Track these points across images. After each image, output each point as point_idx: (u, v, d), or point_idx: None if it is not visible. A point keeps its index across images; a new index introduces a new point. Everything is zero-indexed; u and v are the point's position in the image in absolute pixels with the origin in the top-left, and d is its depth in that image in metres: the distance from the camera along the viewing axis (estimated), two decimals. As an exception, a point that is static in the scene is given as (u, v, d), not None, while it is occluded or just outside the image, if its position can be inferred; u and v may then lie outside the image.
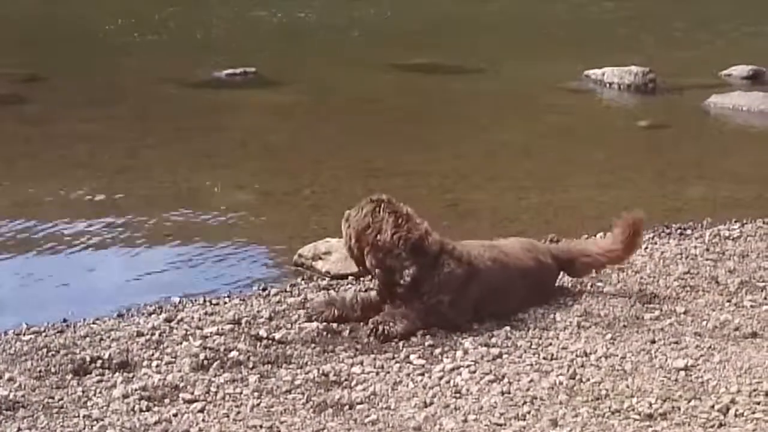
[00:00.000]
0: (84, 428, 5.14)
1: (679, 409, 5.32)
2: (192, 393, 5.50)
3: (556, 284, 7.03)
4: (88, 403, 5.40)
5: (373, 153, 11.21)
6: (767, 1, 21.84)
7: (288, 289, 7.26)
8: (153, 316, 6.74)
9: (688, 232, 8.50)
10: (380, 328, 6.19)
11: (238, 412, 5.32)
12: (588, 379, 5.64)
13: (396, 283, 6.29)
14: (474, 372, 5.74)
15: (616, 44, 17.83)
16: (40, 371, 5.76)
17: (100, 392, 5.52)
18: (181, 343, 6.13)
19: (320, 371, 5.75)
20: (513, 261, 6.67)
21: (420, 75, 15.61)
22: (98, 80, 14.77)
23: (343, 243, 6.55)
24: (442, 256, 6.33)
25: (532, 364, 5.84)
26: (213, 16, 20.03)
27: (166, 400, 5.43)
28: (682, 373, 5.72)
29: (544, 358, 5.92)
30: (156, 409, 5.34)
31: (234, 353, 5.95)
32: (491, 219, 9.09)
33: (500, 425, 5.19)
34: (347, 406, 5.37)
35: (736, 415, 5.26)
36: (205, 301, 7.06)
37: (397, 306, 6.31)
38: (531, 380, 5.64)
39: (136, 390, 5.49)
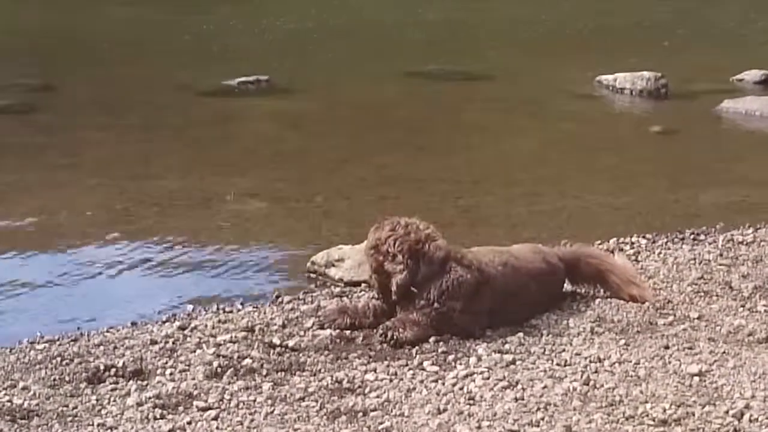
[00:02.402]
0: (98, 436, 5.16)
1: (694, 414, 5.31)
2: (206, 401, 5.50)
3: (568, 290, 7.04)
4: (102, 412, 5.41)
5: (384, 160, 11.21)
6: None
7: (301, 296, 7.27)
8: (167, 324, 6.75)
9: (702, 237, 8.48)
10: (389, 333, 6.20)
11: (252, 420, 5.32)
12: (602, 385, 5.64)
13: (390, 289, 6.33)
14: (488, 378, 5.74)
15: (628, 50, 17.81)
16: (54, 380, 5.77)
17: (114, 400, 5.53)
18: (194, 351, 6.14)
19: (334, 378, 5.75)
20: (523, 264, 6.69)
21: (431, 82, 15.60)
22: (110, 89, 14.80)
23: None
24: (449, 263, 6.33)
25: (545, 371, 5.83)
26: (225, 25, 20.07)
27: (180, 408, 5.43)
28: (696, 378, 5.71)
29: (557, 365, 5.92)
30: (170, 417, 5.35)
31: (247, 361, 5.96)
32: (504, 225, 9.09)
33: (514, 432, 5.20)
34: (361, 413, 5.37)
35: (750, 421, 5.25)
36: (218, 308, 7.07)
37: (409, 312, 6.31)
38: (545, 386, 5.63)
39: (150, 398, 5.50)
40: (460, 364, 5.93)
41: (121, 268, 8.12)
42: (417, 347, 6.14)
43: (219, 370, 5.84)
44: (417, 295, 6.30)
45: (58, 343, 6.43)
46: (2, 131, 12.40)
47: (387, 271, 6.32)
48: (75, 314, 7.15)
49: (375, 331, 6.32)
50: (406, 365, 5.94)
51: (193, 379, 5.76)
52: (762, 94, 14.29)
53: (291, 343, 6.25)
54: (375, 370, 5.86)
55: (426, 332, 6.24)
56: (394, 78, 15.71)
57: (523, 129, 12.84)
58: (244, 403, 5.49)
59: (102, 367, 5.86)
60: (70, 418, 5.34)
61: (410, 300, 6.31)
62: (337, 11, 21.45)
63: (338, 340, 6.29)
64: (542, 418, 5.30)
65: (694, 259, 7.76)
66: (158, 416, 5.34)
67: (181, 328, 6.55)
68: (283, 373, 5.85)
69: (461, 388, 5.64)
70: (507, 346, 6.15)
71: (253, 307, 7.04)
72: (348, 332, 6.38)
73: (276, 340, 6.27)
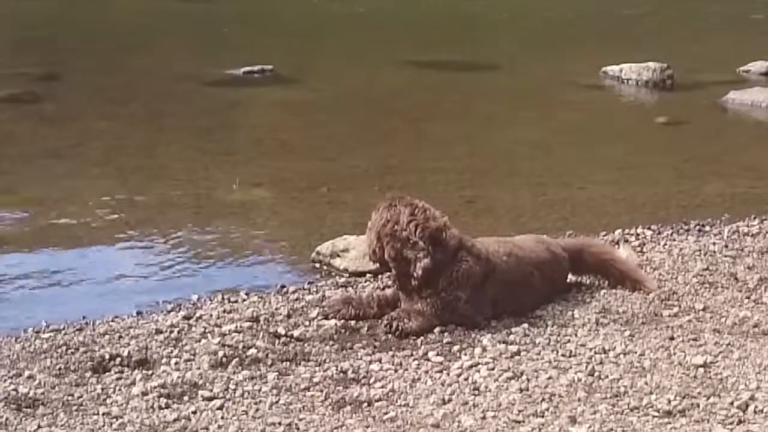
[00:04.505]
0: (103, 426, 5.15)
1: (698, 406, 5.31)
2: (211, 390, 5.51)
3: (572, 281, 7.03)
4: (108, 401, 5.41)
5: (389, 150, 11.21)
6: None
7: (306, 286, 7.27)
8: (172, 313, 6.75)
9: (707, 228, 8.48)
10: (395, 324, 6.19)
11: (257, 410, 5.32)
12: (606, 376, 5.63)
13: (411, 275, 6.28)
14: (492, 369, 5.73)
15: (633, 40, 17.79)
16: (59, 369, 5.77)
17: (120, 390, 5.53)
18: (199, 341, 6.14)
19: (339, 368, 5.75)
20: (527, 254, 6.67)
21: (436, 72, 15.60)
22: (115, 78, 14.80)
23: (368, 251, 6.53)
24: (460, 252, 6.32)
25: (550, 361, 5.83)
26: (229, 14, 20.06)
27: (185, 398, 5.44)
28: (701, 369, 5.71)
29: (562, 355, 5.91)
30: (175, 406, 5.35)
31: (252, 351, 5.96)
32: (508, 216, 9.08)
33: (519, 422, 5.19)
34: (366, 404, 5.37)
35: (755, 412, 5.25)
36: (223, 298, 7.07)
37: (414, 302, 6.30)
38: (549, 377, 5.63)
39: (155, 387, 5.50)
40: (465, 354, 5.93)
41: (126, 258, 8.12)
42: (422, 337, 6.14)
43: (224, 359, 5.84)
44: (426, 284, 6.28)
45: (63, 332, 6.43)
46: (6, 120, 12.41)
47: (406, 258, 6.29)
48: (80, 303, 7.15)
49: (380, 321, 6.31)
50: (411, 355, 5.94)
51: (198, 368, 5.76)
52: (768, 85, 14.29)
53: (296, 333, 6.25)
54: (380, 361, 5.87)
55: (431, 322, 6.24)
56: (399, 67, 15.70)
57: (528, 119, 12.82)
58: (249, 393, 5.49)
59: (107, 357, 5.86)
60: (75, 407, 5.34)
61: (427, 286, 6.28)
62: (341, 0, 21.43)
63: (343, 331, 6.29)
64: (547, 409, 5.30)
65: (700, 250, 7.75)
66: (163, 405, 5.34)
67: (186, 317, 6.55)
68: (288, 363, 5.85)
69: (466, 379, 5.64)
70: (512, 337, 6.15)
71: (258, 297, 7.04)
72: (353, 322, 6.38)
73: (281, 330, 6.27)
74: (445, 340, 6.11)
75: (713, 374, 5.66)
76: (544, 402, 5.37)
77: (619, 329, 6.26)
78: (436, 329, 6.22)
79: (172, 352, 5.99)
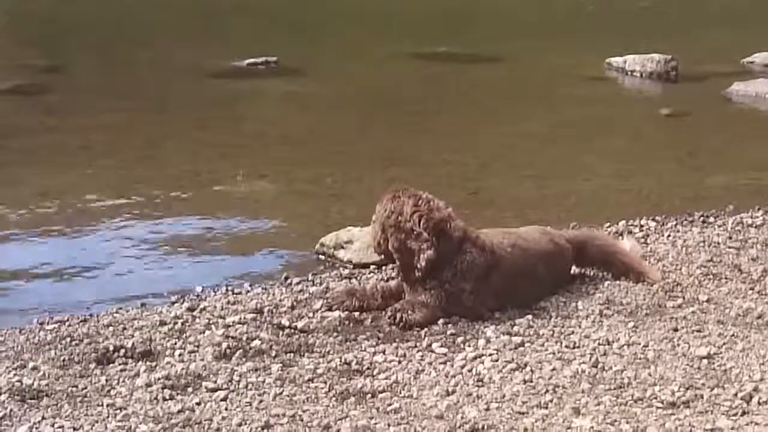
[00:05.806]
0: (107, 417, 5.16)
1: (702, 397, 5.31)
2: (215, 382, 5.51)
3: (576, 273, 7.03)
4: (112, 392, 5.42)
5: (393, 142, 11.21)
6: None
7: (310, 278, 7.28)
8: (176, 305, 6.76)
9: (711, 219, 8.47)
10: (398, 315, 6.19)
11: (261, 401, 5.33)
12: (610, 368, 5.63)
13: (415, 266, 6.27)
14: (496, 360, 5.73)
15: (638, 32, 17.77)
16: (63, 360, 5.78)
17: (124, 381, 5.54)
18: (203, 332, 6.14)
19: (342, 360, 5.75)
20: (532, 246, 6.67)
21: (440, 64, 15.59)
22: (119, 70, 14.82)
23: (372, 243, 6.53)
24: (465, 244, 6.31)
25: (554, 353, 5.83)
26: (234, 5, 20.05)
27: (189, 389, 5.44)
28: (705, 361, 5.70)
29: (566, 347, 5.91)
30: (179, 397, 5.35)
31: (256, 342, 5.96)
32: (512, 208, 9.08)
33: (522, 413, 5.19)
34: (369, 395, 5.38)
35: (759, 403, 5.24)
36: (227, 290, 7.08)
37: (418, 294, 6.30)
38: (553, 369, 5.63)
39: (159, 379, 5.51)
40: (469, 346, 5.93)
41: (131, 250, 8.13)
42: (426, 329, 6.14)
43: (228, 351, 5.85)
44: (430, 275, 6.27)
45: (67, 323, 6.45)
46: (12, 112, 12.43)
47: (410, 249, 6.29)
48: (84, 295, 7.16)
49: (384, 313, 6.31)
50: (415, 347, 5.94)
51: (202, 360, 5.77)
52: (772, 77, 14.27)
53: (300, 324, 6.25)
54: (384, 352, 5.87)
55: (435, 314, 6.24)
56: (403, 60, 15.70)
57: (532, 111, 12.82)
58: (253, 384, 5.50)
59: (111, 348, 5.87)
60: (79, 399, 5.35)
61: (431, 277, 6.27)
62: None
63: (347, 322, 6.29)
64: (551, 400, 5.30)
65: (704, 241, 7.75)
66: (167, 397, 5.35)
67: (190, 309, 6.56)
68: (291, 354, 5.85)
69: (470, 370, 5.64)
70: (516, 329, 6.15)
71: (262, 289, 7.05)
72: (357, 314, 6.38)
73: (285, 322, 6.28)
74: (449, 332, 6.11)
75: (717, 365, 5.66)
76: (548, 393, 5.37)
77: (623, 321, 6.26)
78: (440, 321, 6.22)
79: (176, 343, 6.00)
